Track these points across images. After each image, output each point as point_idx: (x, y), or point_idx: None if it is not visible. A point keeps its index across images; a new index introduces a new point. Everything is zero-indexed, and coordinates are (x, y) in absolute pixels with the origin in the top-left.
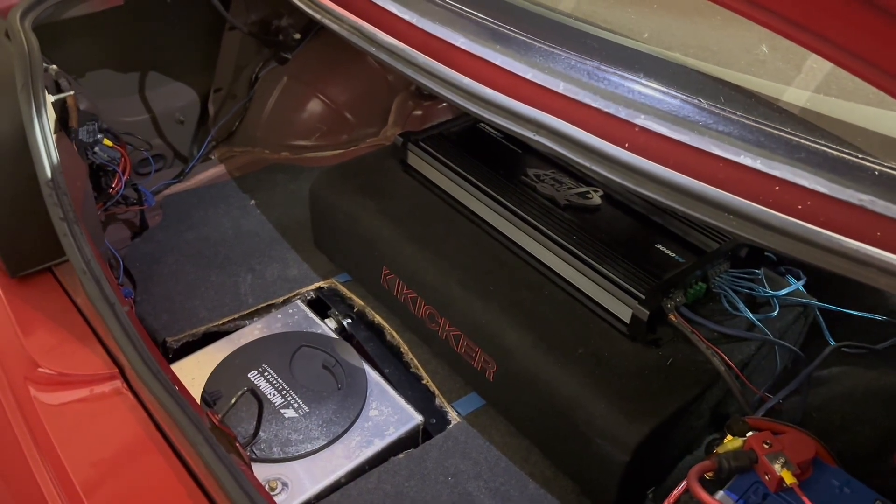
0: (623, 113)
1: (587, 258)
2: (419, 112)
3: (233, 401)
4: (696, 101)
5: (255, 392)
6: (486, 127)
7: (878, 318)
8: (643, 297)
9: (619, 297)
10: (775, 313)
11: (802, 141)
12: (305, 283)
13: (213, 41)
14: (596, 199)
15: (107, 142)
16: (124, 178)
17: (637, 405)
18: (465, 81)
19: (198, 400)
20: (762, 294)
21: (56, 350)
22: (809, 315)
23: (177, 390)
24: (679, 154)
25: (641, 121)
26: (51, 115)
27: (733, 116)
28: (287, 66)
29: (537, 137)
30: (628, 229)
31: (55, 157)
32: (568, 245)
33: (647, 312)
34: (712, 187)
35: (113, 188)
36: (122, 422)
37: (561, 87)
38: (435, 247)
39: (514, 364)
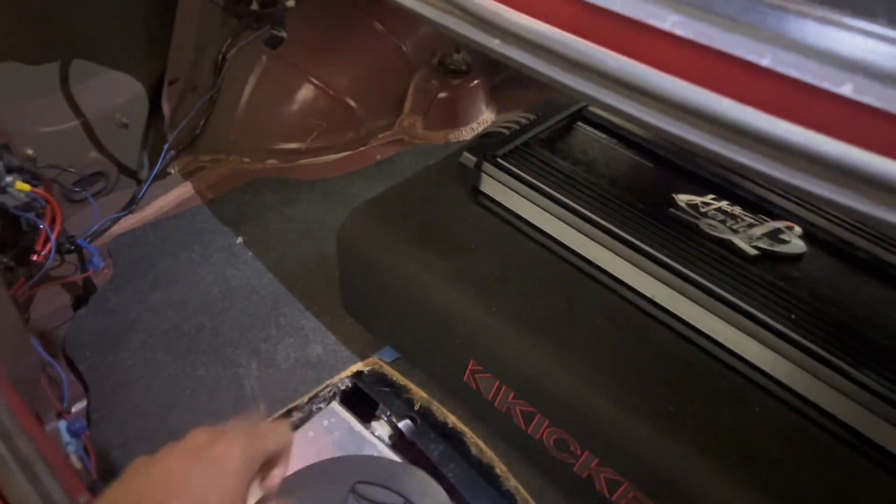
0: None
1: (824, 353)
2: (445, 94)
3: None
4: None
5: None
6: (591, 129)
7: None
8: None
9: (892, 420)
10: None
11: None
12: (336, 368)
13: (162, 11)
14: (796, 241)
15: (20, 185)
16: (54, 236)
17: None
18: (722, 105)
19: None
20: None
21: None
22: None
23: None
24: None
25: None
26: None
27: None
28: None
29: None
30: (864, 293)
31: None
32: (784, 329)
33: None
34: None
35: (38, 253)
36: None
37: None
38: (557, 332)
39: None
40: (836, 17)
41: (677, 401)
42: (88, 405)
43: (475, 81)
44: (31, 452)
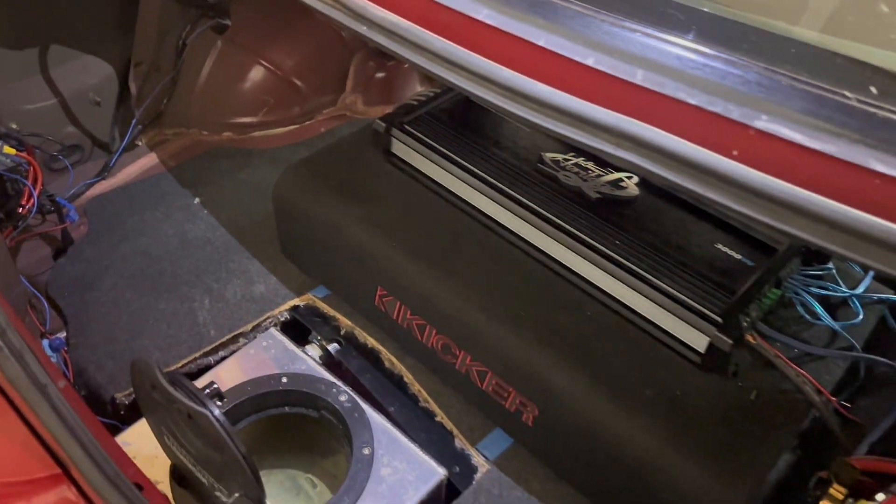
0: (735, 112)
1: (638, 270)
2: (382, 74)
3: None
4: (838, 94)
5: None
6: None
7: None
8: (720, 319)
9: (688, 319)
10: (860, 318)
11: None
12: (276, 303)
13: (127, 2)
14: (632, 187)
15: (8, 149)
16: (36, 192)
17: (729, 461)
18: (505, 74)
19: (167, 479)
20: (840, 294)
21: None
22: (881, 309)
23: (145, 500)
24: (816, 168)
25: (763, 123)
26: None
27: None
28: None
29: (618, 152)
30: (678, 225)
31: None
32: (610, 253)
33: (730, 342)
34: (870, 216)
35: (23, 207)
36: None
37: (640, 76)
38: (443, 261)
39: (564, 412)
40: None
41: (528, 308)
42: (67, 334)
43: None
44: (21, 345)
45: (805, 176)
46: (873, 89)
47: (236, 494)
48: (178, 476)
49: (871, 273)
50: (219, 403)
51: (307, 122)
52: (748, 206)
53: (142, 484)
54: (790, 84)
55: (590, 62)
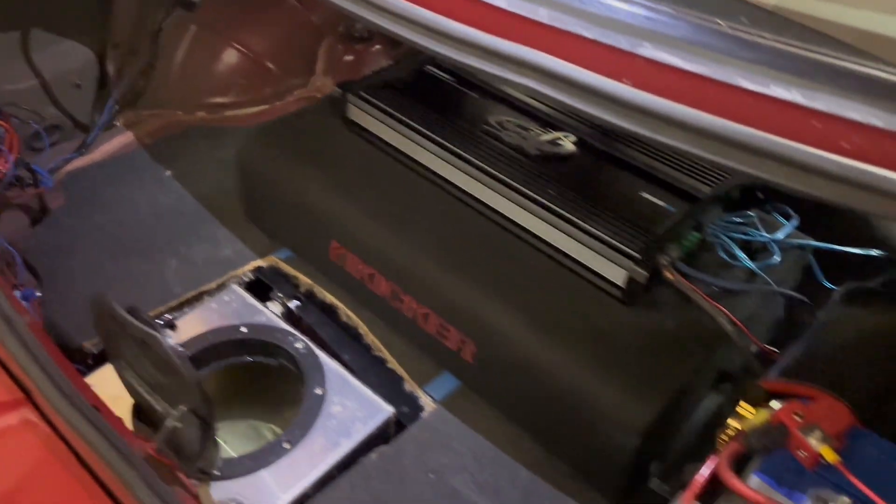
0: (624, 43)
1: (568, 215)
2: (350, 57)
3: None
4: (713, 23)
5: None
6: (436, 70)
7: (876, 254)
8: (638, 256)
9: (610, 257)
10: (777, 259)
11: (850, 66)
12: (241, 264)
13: None
14: (568, 145)
15: None
16: (12, 158)
17: (644, 382)
18: (425, 14)
19: (129, 417)
20: (759, 239)
21: None
22: (804, 257)
23: (101, 417)
24: (693, 88)
25: (647, 51)
26: None
27: (761, 40)
28: (195, 13)
29: (520, 79)
30: (609, 177)
31: None
32: (544, 201)
33: (646, 274)
34: (736, 125)
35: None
36: (37, 459)
37: (544, 15)
38: (391, 213)
39: (497, 344)
40: None
41: (468, 254)
42: (41, 294)
43: (376, 47)
44: (20, 323)
45: (684, 94)
46: (743, 18)
47: (183, 408)
48: (139, 413)
49: (794, 221)
50: (170, 334)
51: (278, 103)
52: (635, 122)
53: (99, 407)
54: (672, 15)
55: (501, 4)
